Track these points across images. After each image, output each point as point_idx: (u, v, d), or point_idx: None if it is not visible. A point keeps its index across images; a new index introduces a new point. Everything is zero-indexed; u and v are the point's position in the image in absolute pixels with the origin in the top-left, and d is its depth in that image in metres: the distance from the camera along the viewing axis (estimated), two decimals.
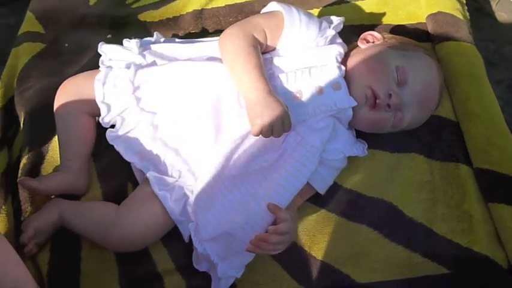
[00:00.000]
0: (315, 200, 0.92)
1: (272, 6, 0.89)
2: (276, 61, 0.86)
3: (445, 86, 1.00)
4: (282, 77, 0.84)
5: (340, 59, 0.88)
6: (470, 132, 0.95)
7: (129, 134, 0.86)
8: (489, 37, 1.71)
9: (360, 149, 0.91)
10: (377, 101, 0.84)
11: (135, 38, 0.96)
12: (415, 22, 1.12)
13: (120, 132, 0.86)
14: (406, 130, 0.92)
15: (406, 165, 0.95)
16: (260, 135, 0.78)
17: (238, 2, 1.17)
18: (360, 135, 0.94)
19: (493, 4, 1.80)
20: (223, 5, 1.17)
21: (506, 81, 1.61)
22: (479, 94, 0.98)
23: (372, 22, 1.12)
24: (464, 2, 1.19)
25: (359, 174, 0.94)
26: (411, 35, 1.05)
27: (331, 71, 0.86)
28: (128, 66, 0.88)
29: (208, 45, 0.92)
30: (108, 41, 0.95)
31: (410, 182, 0.93)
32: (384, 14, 1.13)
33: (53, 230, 0.89)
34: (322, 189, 0.90)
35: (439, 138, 0.96)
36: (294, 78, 0.84)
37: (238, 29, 0.84)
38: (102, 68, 0.90)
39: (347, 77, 0.87)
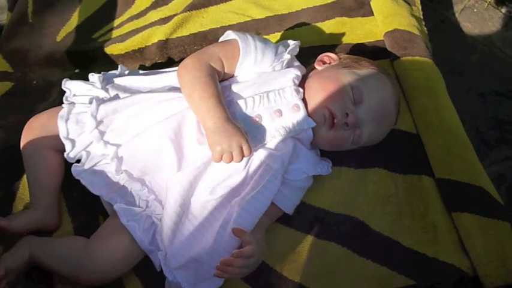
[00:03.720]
0: (284, 220, 0.94)
1: (229, 35, 0.92)
2: (234, 88, 0.89)
3: (405, 100, 1.04)
4: (240, 103, 0.87)
5: (297, 82, 0.90)
6: (430, 144, 0.98)
7: (94, 168, 0.88)
8: (456, 47, 1.76)
9: (323, 167, 0.93)
10: (335, 120, 0.86)
11: (102, 71, 0.98)
12: (374, 40, 1.15)
13: (86, 167, 0.88)
14: (368, 146, 0.94)
15: (371, 180, 0.97)
16: (221, 161, 0.80)
17: (201, 30, 1.19)
18: (324, 153, 0.96)
19: (457, 15, 1.85)
20: (187, 34, 1.19)
21: (474, 89, 1.65)
22: (437, 106, 1.01)
23: (332, 42, 1.16)
24: (422, 17, 1.23)
25: (325, 192, 0.96)
26: (370, 52, 1.09)
27: (289, 94, 0.88)
28: (90, 101, 0.89)
29: (169, 76, 0.94)
30: (76, 76, 0.97)
31: (375, 197, 0.95)
32: (343, 34, 1.17)
33: (24, 268, 0.89)
34: (289, 210, 0.92)
35: (401, 152, 0.99)
36: (252, 104, 0.87)
37: (195, 59, 0.87)
38: (65, 104, 0.91)
39: (305, 98, 0.90)
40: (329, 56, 0.96)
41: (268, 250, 0.89)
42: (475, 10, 1.88)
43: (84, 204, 0.97)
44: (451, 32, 1.81)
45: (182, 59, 1.16)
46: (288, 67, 0.92)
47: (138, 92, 0.92)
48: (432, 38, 1.39)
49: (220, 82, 0.88)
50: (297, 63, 0.94)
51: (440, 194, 0.94)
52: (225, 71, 0.89)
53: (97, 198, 0.92)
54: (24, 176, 0.99)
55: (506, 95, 1.60)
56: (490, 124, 1.53)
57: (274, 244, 0.92)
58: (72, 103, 0.90)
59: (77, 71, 1.18)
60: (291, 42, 0.94)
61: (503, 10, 1.93)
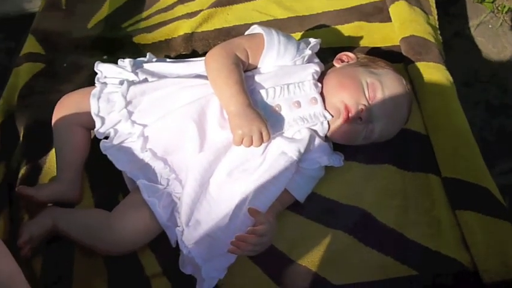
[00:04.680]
0: (295, 208, 0.98)
1: (254, 29, 0.97)
2: (257, 78, 0.94)
3: (416, 102, 1.08)
4: (262, 92, 0.92)
5: (316, 77, 0.96)
6: (438, 144, 1.02)
7: (121, 145, 0.93)
8: (468, 60, 1.81)
9: (336, 159, 0.97)
10: (349, 114, 0.91)
11: (129, 58, 1.04)
12: (390, 45, 1.20)
13: (113, 143, 0.93)
14: (379, 142, 0.99)
15: (380, 175, 1.02)
16: (241, 145, 0.86)
17: (226, 26, 1.25)
18: (337, 148, 1.01)
19: (472, 29, 1.90)
20: (212, 29, 1.25)
21: (483, 102, 1.69)
22: (448, 110, 1.05)
23: (350, 45, 1.21)
24: (437, 26, 1.28)
25: (336, 183, 1.00)
26: (386, 56, 1.14)
27: (308, 87, 0.93)
28: (121, 83, 0.95)
29: (195, 64, 1.00)
30: (105, 62, 1.03)
31: (383, 191, 1.00)
32: (361, 38, 1.22)
33: (47, 235, 0.93)
34: (301, 198, 0.96)
35: (410, 151, 1.04)
36: (273, 94, 0.92)
37: (222, 48, 0.92)
38: (97, 84, 0.97)
39: (323, 92, 0.95)
40: (347, 55, 1.01)
41: (278, 235, 0.93)
42: (489, 26, 1.93)
43: (105, 181, 1.01)
44: (465, 45, 1.86)
45: (206, 52, 1.21)
46: (308, 62, 0.97)
47: (166, 77, 0.98)
48: (446, 49, 1.44)
49: (244, 72, 0.93)
50: (316, 60, 1.00)
51: (446, 192, 0.98)
52: (250, 61, 0.94)
53: (118, 176, 0.97)
54: (51, 152, 1.04)
55: None
56: (498, 136, 1.57)
57: (285, 230, 0.96)
58: (104, 83, 0.96)
59: (105, 57, 1.23)
60: (312, 40, 1.00)
61: None
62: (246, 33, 1.00)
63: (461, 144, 1.00)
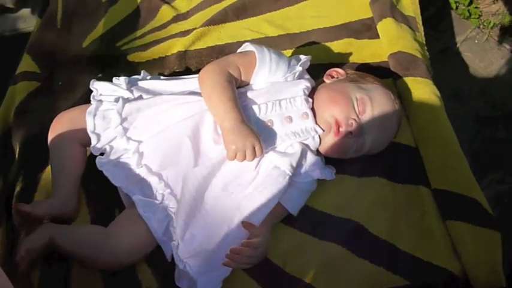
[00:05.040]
0: (288, 221, 1.00)
1: (246, 47, 1.00)
2: (250, 94, 0.96)
3: (405, 116, 1.11)
4: (254, 108, 0.94)
5: (307, 92, 0.98)
6: (428, 157, 1.05)
7: (117, 161, 0.94)
8: (456, 74, 1.85)
9: (328, 173, 1.00)
10: (340, 128, 0.94)
11: (124, 76, 1.06)
12: (379, 61, 1.24)
13: (109, 159, 0.94)
14: (369, 155, 1.01)
15: (371, 187, 1.04)
16: (235, 160, 0.88)
17: (218, 43, 1.28)
18: (328, 161, 1.03)
19: (458, 44, 1.95)
20: (205, 46, 1.28)
21: (473, 115, 1.73)
22: (436, 122, 1.08)
23: (340, 61, 1.24)
24: (424, 43, 1.31)
25: (328, 196, 1.02)
26: (375, 72, 1.17)
27: (299, 103, 0.96)
28: (116, 100, 0.97)
29: (189, 81, 1.02)
30: (99, 80, 1.05)
31: (375, 203, 1.02)
32: (350, 54, 1.25)
33: (44, 251, 0.94)
34: (294, 211, 0.98)
35: (400, 163, 1.06)
36: (265, 109, 0.94)
37: (216, 66, 0.95)
38: (93, 102, 0.99)
39: (314, 107, 0.97)
40: (337, 71, 1.04)
41: (273, 248, 0.95)
42: (476, 41, 1.98)
43: (101, 197, 1.02)
44: (452, 60, 1.91)
45: (199, 70, 1.24)
46: (299, 78, 1.00)
47: (160, 94, 1.00)
48: (434, 65, 1.48)
49: (237, 88, 0.96)
50: (307, 76, 1.03)
51: (436, 203, 1.00)
52: (242, 78, 0.97)
53: (114, 192, 0.98)
54: (47, 168, 1.05)
55: (502, 121, 1.68)
56: (486, 148, 1.61)
57: (278, 243, 0.97)
58: (100, 101, 0.98)
59: (100, 75, 1.26)
60: (303, 57, 1.03)
61: (503, 42, 2.03)
62: (239, 50, 1.03)
63: (450, 157, 1.03)
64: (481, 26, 2.07)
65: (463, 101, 1.75)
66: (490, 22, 2.08)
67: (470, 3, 2.13)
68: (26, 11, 1.84)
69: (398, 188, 1.03)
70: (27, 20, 1.83)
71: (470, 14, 2.09)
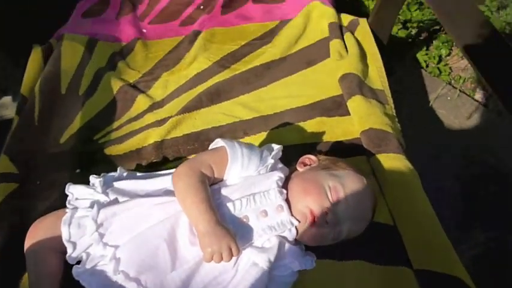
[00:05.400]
0: None
1: (218, 143, 1.02)
2: (224, 191, 0.97)
3: (381, 194, 1.12)
4: (229, 205, 0.95)
5: (281, 183, 0.99)
6: (406, 234, 1.06)
7: (94, 269, 0.93)
8: (432, 132, 1.90)
9: (308, 262, 0.99)
10: (315, 219, 0.94)
11: (101, 171, 1.07)
12: (351, 138, 1.27)
13: (86, 268, 0.93)
14: (349, 239, 1.01)
15: (353, 271, 1.03)
16: (212, 261, 0.87)
17: (194, 131, 1.31)
18: (308, 246, 1.03)
19: (431, 102, 2.00)
20: (181, 134, 1.30)
21: (453, 173, 1.76)
22: (411, 198, 1.10)
23: (313, 141, 1.27)
24: (394, 115, 1.35)
25: (310, 285, 1.01)
26: (348, 150, 1.19)
27: (273, 196, 0.97)
28: (92, 205, 0.97)
29: (164, 179, 1.03)
30: (77, 176, 1.05)
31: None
32: (323, 133, 1.28)
33: None
34: None
35: (380, 244, 1.06)
36: (240, 206, 0.95)
37: (187, 167, 0.96)
38: (68, 208, 0.99)
39: (288, 198, 0.98)
40: (310, 158, 1.06)
41: None
42: (448, 98, 2.04)
43: None
44: (427, 119, 1.96)
45: (176, 158, 1.27)
46: (272, 170, 1.01)
47: (136, 195, 1.00)
48: (410, 125, 1.51)
49: (210, 186, 0.97)
50: (280, 165, 1.04)
51: (419, 284, 0.99)
52: (215, 176, 0.98)
53: None
54: (24, 276, 1.04)
55: (482, 178, 1.71)
56: (467, 206, 1.62)
57: None
58: (75, 208, 0.98)
59: (78, 171, 1.26)
60: (275, 147, 1.04)
61: (475, 96, 2.09)
62: (211, 146, 1.05)
63: (428, 233, 1.03)
64: (452, 81, 2.14)
65: (442, 159, 1.79)
66: (460, 77, 2.15)
67: (440, 61, 2.21)
68: (7, 99, 1.88)
69: (380, 270, 1.03)
70: (9, 108, 1.86)
71: (440, 72, 2.16)
